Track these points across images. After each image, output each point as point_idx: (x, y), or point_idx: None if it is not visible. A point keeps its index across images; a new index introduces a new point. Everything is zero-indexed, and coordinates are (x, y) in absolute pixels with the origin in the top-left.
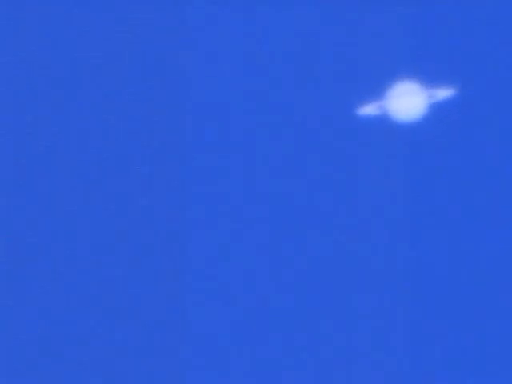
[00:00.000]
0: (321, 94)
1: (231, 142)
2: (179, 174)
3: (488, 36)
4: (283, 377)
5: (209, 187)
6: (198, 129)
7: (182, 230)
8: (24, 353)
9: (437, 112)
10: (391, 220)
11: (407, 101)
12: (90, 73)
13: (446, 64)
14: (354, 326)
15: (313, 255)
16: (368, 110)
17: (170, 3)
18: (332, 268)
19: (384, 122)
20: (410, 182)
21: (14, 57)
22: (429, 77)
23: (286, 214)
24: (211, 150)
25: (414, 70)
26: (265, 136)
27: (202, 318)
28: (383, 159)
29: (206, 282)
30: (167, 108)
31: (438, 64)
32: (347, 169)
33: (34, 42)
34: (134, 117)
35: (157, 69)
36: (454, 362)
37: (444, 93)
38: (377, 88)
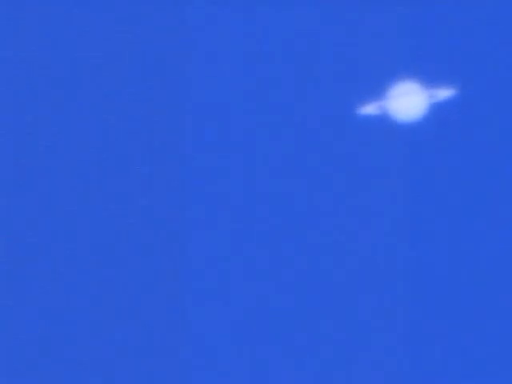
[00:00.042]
0: (321, 93)
1: (231, 141)
2: (179, 174)
3: (488, 36)
4: (283, 377)
5: (209, 187)
6: (198, 129)
7: (182, 230)
8: (24, 353)
9: (437, 112)
10: (391, 220)
11: (407, 101)
12: (90, 73)
13: (445, 64)
14: (354, 326)
15: (313, 255)
16: (368, 109)
17: (170, 3)
18: (332, 268)
19: (384, 122)
20: (410, 182)
21: (14, 56)
22: (429, 77)
23: (286, 214)
24: (211, 150)
25: (414, 70)
26: (265, 136)
27: (202, 318)
28: (383, 159)
29: (205, 282)
30: (167, 108)
31: (438, 64)
32: (347, 169)
33: (33, 42)
34: (134, 117)
35: (157, 69)
36: (454, 361)
37: (444, 93)
38: (377, 88)
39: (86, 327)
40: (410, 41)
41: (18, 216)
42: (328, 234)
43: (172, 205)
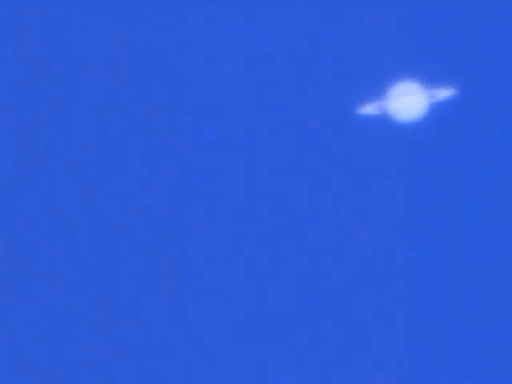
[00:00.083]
0: (321, 93)
1: (231, 141)
2: (179, 174)
3: (488, 36)
4: (283, 377)
5: (209, 187)
6: (198, 129)
7: (182, 229)
8: (24, 353)
9: (437, 112)
10: (391, 220)
11: (407, 101)
12: (89, 73)
13: (446, 64)
14: (354, 326)
15: (313, 255)
16: (368, 109)
17: (170, 3)
18: (332, 268)
19: (384, 122)
20: (410, 181)
21: (14, 56)
22: (429, 77)
23: (286, 214)
24: (211, 150)
25: (413, 70)
26: (265, 136)
27: (202, 318)
28: (383, 159)
29: (206, 282)
30: (167, 108)
31: (438, 64)
32: (347, 169)
33: (34, 42)
34: (134, 117)
35: (157, 69)
36: (454, 362)
37: (444, 93)
38: (377, 88)
39: (86, 327)
40: (410, 41)
41: (18, 216)
42: (328, 234)
43: (172, 205)
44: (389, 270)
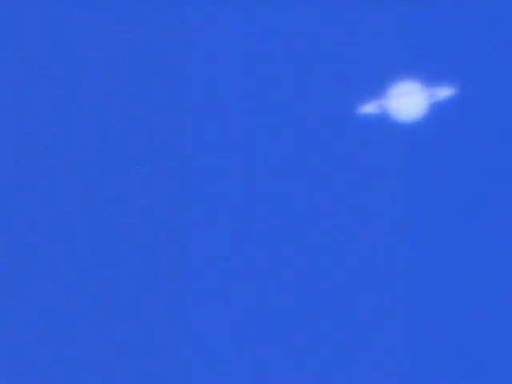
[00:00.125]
0: (321, 93)
1: (231, 141)
2: (179, 174)
3: (488, 36)
4: (283, 377)
5: (209, 187)
6: (198, 129)
7: (182, 229)
8: (24, 353)
9: (437, 112)
10: (391, 220)
11: (407, 101)
12: (89, 73)
13: (446, 64)
14: (354, 326)
15: (313, 255)
16: (368, 109)
17: (170, 3)
18: (332, 268)
19: (384, 122)
20: (410, 181)
21: (14, 56)
22: (429, 77)
23: (286, 214)
24: (211, 150)
25: (413, 69)
26: (265, 136)
27: (202, 318)
28: (383, 159)
29: (206, 282)
30: (167, 108)
31: (437, 64)
32: (347, 169)
33: (34, 42)
34: (133, 117)
35: (157, 69)
36: (454, 362)
37: (444, 93)
38: (377, 88)
39: (86, 327)
40: (410, 41)
41: (18, 216)
42: (328, 234)
43: (172, 205)
44: (389, 269)
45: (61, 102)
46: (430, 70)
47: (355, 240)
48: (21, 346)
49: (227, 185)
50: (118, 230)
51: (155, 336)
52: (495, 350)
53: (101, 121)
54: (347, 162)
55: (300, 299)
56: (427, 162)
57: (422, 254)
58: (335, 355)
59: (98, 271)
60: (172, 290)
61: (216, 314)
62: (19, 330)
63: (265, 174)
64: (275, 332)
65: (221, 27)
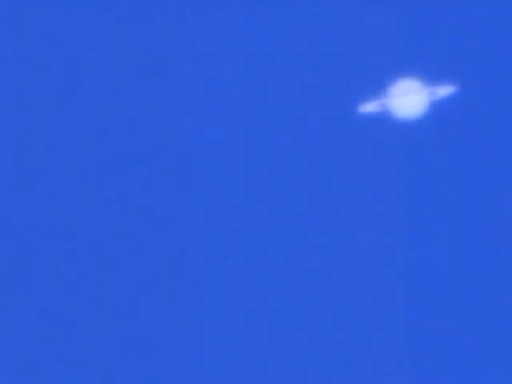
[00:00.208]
0: (321, 93)
1: (231, 142)
2: (179, 174)
3: (488, 36)
4: (283, 377)
5: (209, 187)
6: (198, 129)
7: (182, 229)
8: (24, 353)
9: (437, 112)
10: (391, 220)
11: (407, 100)
12: (89, 73)
13: (446, 64)
14: (354, 326)
15: (313, 255)
16: (368, 109)
17: (170, 3)
18: (332, 268)
19: (384, 122)
20: (410, 181)
21: (14, 56)
22: (429, 76)
23: (286, 214)
24: (211, 150)
25: (414, 69)
26: (265, 136)
27: (202, 318)
28: (383, 158)
29: (206, 282)
30: (167, 108)
31: (438, 64)
32: (347, 168)
33: (34, 42)
34: (134, 117)
35: (157, 69)
36: (454, 362)
37: (444, 92)
38: (377, 87)
39: (86, 327)
40: (410, 41)
41: (18, 216)
42: (328, 234)
43: (172, 205)
44: (389, 269)
45: (61, 101)
46: (430, 69)
47: (355, 240)
48: (21, 345)
49: (227, 185)
50: (117, 230)
51: (155, 336)
52: (495, 350)
53: (101, 121)
54: (347, 161)
55: (300, 299)
56: (427, 161)
57: (421, 253)
58: (335, 355)
59: (98, 271)
60: (172, 290)
61: (216, 313)
62: (19, 330)
63: (265, 173)
64: (275, 332)
65: (221, 27)
